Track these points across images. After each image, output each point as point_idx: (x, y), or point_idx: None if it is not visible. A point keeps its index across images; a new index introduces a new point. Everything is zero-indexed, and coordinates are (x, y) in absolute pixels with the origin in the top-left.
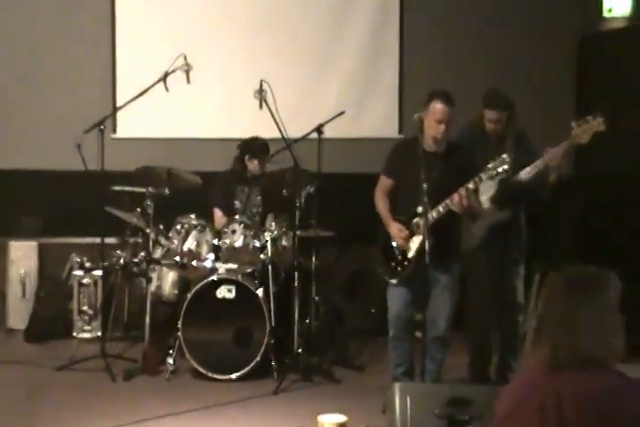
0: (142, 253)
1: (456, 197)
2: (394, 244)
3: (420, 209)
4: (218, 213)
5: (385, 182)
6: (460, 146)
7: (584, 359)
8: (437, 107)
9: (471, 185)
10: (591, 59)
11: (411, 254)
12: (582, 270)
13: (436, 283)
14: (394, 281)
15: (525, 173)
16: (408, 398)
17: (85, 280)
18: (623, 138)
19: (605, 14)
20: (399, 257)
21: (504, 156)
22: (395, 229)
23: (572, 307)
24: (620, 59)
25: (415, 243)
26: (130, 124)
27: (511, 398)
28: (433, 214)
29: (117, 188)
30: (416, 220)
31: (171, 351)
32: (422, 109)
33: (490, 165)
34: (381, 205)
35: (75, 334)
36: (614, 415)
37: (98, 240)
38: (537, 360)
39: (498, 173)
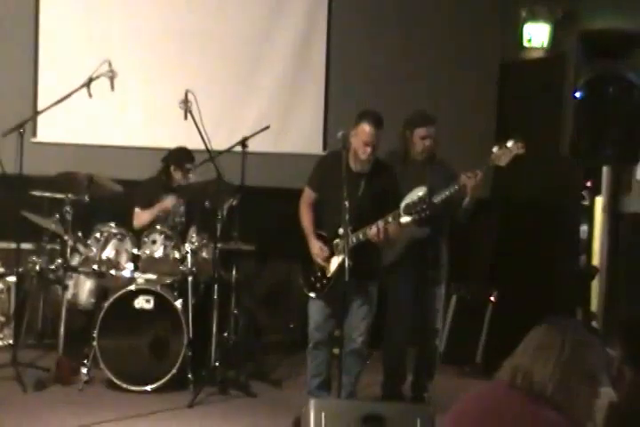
0: (59, 260)
1: (374, 229)
2: (314, 259)
3: (341, 231)
4: (138, 211)
5: (309, 195)
6: (385, 167)
7: (547, 398)
8: (366, 129)
9: (390, 219)
10: (511, 86)
11: (330, 274)
12: (573, 334)
13: (354, 301)
14: (312, 295)
15: (441, 195)
16: (323, 415)
17: None
18: (536, 163)
19: (525, 44)
20: (318, 274)
21: (420, 194)
22: (316, 248)
23: (548, 366)
24: (536, 87)
25: (334, 263)
26: (51, 129)
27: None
28: (352, 239)
29: (36, 193)
30: (337, 241)
31: (85, 361)
32: (351, 128)
33: (409, 202)
34: (306, 219)
35: None
36: None
37: (13, 245)
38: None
39: (417, 211)
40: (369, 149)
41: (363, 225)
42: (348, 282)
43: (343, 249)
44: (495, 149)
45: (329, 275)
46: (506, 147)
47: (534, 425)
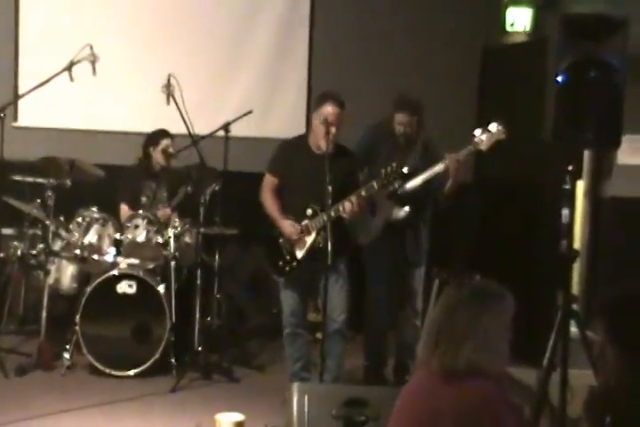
0: (41, 245)
1: (348, 204)
2: (281, 242)
3: (309, 211)
4: (124, 208)
5: (271, 181)
6: (345, 149)
7: (469, 368)
8: (329, 109)
9: (364, 192)
10: (493, 71)
11: (300, 255)
12: (482, 285)
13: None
14: (281, 279)
15: (423, 176)
16: (306, 398)
17: None
18: (518, 148)
19: (508, 28)
20: (287, 257)
21: (393, 165)
22: (287, 225)
23: (468, 318)
24: (518, 71)
25: (304, 245)
26: (32, 113)
27: (400, 402)
28: (324, 218)
29: (17, 177)
30: (305, 222)
31: (67, 346)
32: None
33: (383, 174)
34: (270, 203)
35: None
36: (489, 421)
37: None
38: (428, 368)
39: (390, 182)
40: (333, 129)
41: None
42: (330, 264)
43: (314, 229)
44: (477, 133)
45: (299, 255)
46: (488, 131)
47: (464, 404)
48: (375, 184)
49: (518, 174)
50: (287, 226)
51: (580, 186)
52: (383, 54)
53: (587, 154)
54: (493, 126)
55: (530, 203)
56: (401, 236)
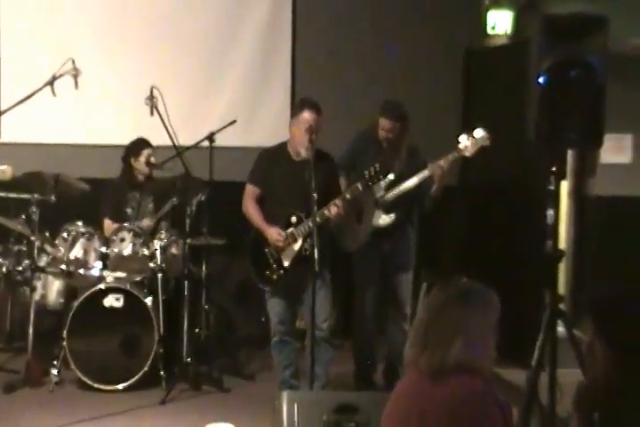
0: (27, 261)
1: (334, 207)
2: (267, 251)
3: (294, 219)
4: (108, 222)
5: (252, 191)
6: (325, 155)
7: (457, 366)
8: (306, 116)
9: (348, 195)
10: (476, 73)
11: (287, 263)
12: (469, 285)
13: (310, 288)
14: (268, 288)
15: (410, 183)
16: (296, 406)
17: None
18: (503, 149)
19: (489, 31)
20: (274, 265)
21: (376, 165)
22: (274, 233)
23: (455, 317)
24: (501, 73)
25: (290, 252)
26: (15, 129)
27: (390, 404)
28: (309, 224)
29: (1, 193)
30: (291, 229)
31: (55, 362)
32: (291, 119)
33: (366, 175)
34: (253, 212)
35: None
36: (478, 418)
37: None
38: (417, 368)
39: (374, 183)
40: (312, 136)
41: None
42: (317, 271)
43: (300, 236)
44: (462, 139)
45: (286, 264)
46: (473, 136)
47: (452, 401)
48: (360, 186)
49: (503, 176)
50: (273, 234)
51: (565, 186)
52: (366, 59)
53: (570, 154)
54: (478, 132)
55: (515, 204)
56: (389, 241)
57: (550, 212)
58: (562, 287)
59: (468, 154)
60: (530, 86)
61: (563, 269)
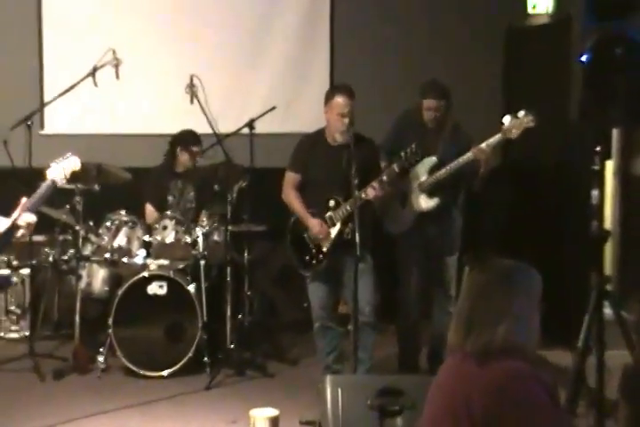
0: (72, 251)
1: (370, 189)
2: (306, 236)
3: (332, 203)
4: (150, 208)
5: (292, 178)
6: (364, 138)
7: (504, 348)
8: (339, 101)
9: (385, 177)
10: (517, 53)
11: (326, 247)
12: (509, 265)
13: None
14: (309, 274)
15: (455, 164)
16: (339, 390)
17: (13, 279)
18: (546, 130)
19: (530, 10)
20: (313, 251)
21: (413, 146)
22: (317, 226)
23: (499, 299)
24: (543, 53)
25: (330, 236)
26: (58, 120)
27: (433, 387)
28: (347, 207)
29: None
30: (329, 213)
31: (101, 349)
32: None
33: (402, 156)
34: (295, 201)
35: (2, 334)
36: (522, 401)
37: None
38: (462, 351)
39: (410, 164)
40: (346, 120)
41: (351, 195)
42: (358, 256)
43: (338, 220)
44: (506, 121)
45: (324, 249)
46: (517, 117)
47: (496, 383)
48: (396, 167)
49: (547, 156)
50: (315, 225)
51: (610, 165)
52: (406, 42)
53: (615, 133)
54: (522, 114)
55: (559, 184)
56: (433, 224)
57: (595, 192)
58: (608, 268)
59: (512, 136)
60: (572, 65)
61: (609, 249)
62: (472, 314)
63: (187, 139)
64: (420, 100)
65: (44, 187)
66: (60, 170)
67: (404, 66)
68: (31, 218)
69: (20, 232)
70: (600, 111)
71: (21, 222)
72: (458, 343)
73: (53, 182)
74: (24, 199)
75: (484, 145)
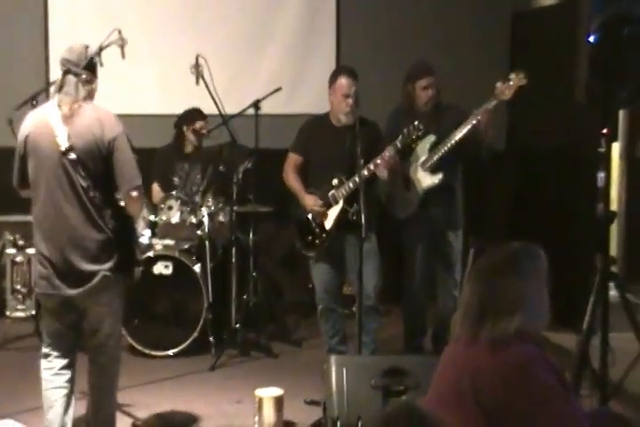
0: None
1: (371, 165)
2: (309, 217)
3: (335, 181)
4: (156, 188)
5: (294, 159)
6: (368, 121)
7: (517, 333)
8: (343, 82)
9: (387, 153)
10: (523, 35)
11: (329, 225)
12: (515, 249)
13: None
14: (312, 254)
15: (459, 132)
16: (344, 370)
17: (19, 258)
18: (552, 112)
19: None
20: (317, 230)
21: (416, 122)
22: (309, 200)
23: (511, 285)
24: (549, 34)
25: (332, 215)
26: None
27: (440, 368)
28: (350, 185)
29: None
30: (332, 192)
31: None
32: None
33: (404, 131)
34: (293, 180)
35: (8, 313)
36: (530, 383)
37: (31, 218)
38: (474, 337)
39: (412, 141)
40: (350, 101)
41: (354, 174)
42: (364, 237)
43: (340, 197)
44: (498, 84)
45: (328, 226)
46: (508, 79)
47: (508, 368)
48: (398, 143)
49: (552, 138)
50: (309, 200)
51: (616, 148)
52: (412, 25)
53: (622, 115)
54: (512, 76)
55: (565, 166)
56: (437, 202)
57: (601, 174)
58: (613, 250)
59: (506, 97)
60: (579, 46)
61: (614, 231)
62: (484, 302)
63: (192, 115)
64: (411, 85)
65: None
66: None
67: (410, 50)
68: None
69: None
70: (607, 92)
71: None
72: (468, 331)
73: None
74: None
75: (482, 108)
